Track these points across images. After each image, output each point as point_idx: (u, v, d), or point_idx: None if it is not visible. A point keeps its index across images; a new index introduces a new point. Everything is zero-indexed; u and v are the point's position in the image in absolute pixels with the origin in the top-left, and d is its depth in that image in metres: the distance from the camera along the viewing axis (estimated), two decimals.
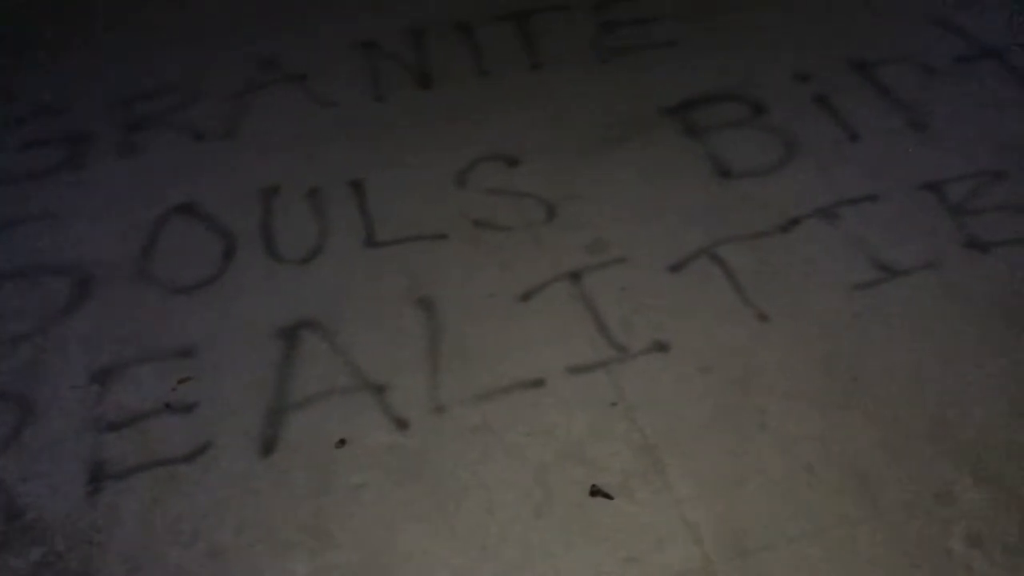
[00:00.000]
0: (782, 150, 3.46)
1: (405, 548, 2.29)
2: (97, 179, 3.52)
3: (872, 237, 3.07)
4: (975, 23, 4.02)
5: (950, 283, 2.89)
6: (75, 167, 3.57)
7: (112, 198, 3.41)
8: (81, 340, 2.88)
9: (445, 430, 2.56)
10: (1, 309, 3.01)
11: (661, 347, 2.76)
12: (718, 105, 3.71)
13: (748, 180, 3.35)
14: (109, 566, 2.27)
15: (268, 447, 2.55)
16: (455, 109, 3.80)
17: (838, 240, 3.08)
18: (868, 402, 2.55)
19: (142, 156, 3.62)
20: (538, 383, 2.68)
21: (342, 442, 2.55)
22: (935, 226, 3.09)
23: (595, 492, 2.39)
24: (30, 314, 2.98)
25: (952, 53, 3.88)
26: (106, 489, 2.46)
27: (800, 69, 3.86)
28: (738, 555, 2.21)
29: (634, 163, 3.47)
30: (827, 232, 3.12)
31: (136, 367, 2.80)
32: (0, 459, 2.55)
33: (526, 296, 2.96)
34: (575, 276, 3.02)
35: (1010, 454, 2.40)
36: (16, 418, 2.66)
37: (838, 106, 3.64)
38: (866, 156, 3.40)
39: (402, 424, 2.59)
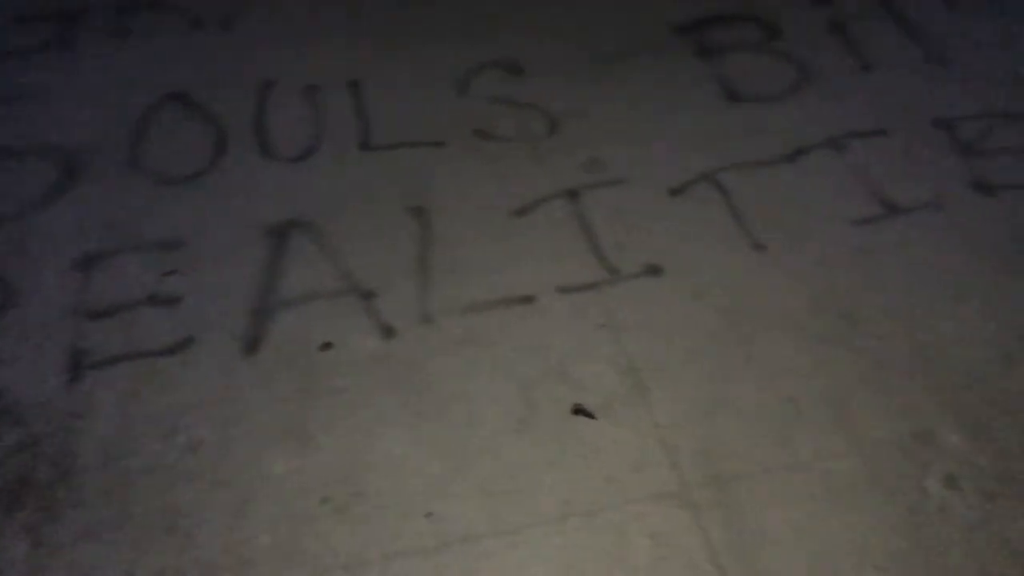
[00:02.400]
0: (793, 76, 3.37)
1: (383, 454, 2.29)
2: (88, 60, 3.41)
3: (878, 172, 3.01)
4: None
5: (952, 224, 2.84)
6: (65, 46, 3.46)
7: (102, 81, 3.32)
8: (66, 226, 2.83)
9: (432, 340, 2.54)
10: None
11: (654, 271, 2.73)
12: (732, 26, 3.60)
13: (756, 106, 3.27)
14: (86, 454, 2.27)
15: (252, 346, 2.53)
16: (463, 12, 3.68)
17: (842, 173, 3.02)
18: (856, 338, 2.53)
19: (135, 40, 3.51)
20: (528, 300, 2.65)
21: (327, 345, 2.53)
22: (943, 165, 3.03)
23: (578, 411, 2.38)
24: (14, 196, 2.92)
25: None
26: (86, 377, 2.44)
27: None
28: (714, 481, 2.22)
29: (641, 81, 3.38)
30: (832, 164, 3.05)
31: (121, 256, 2.76)
32: None
33: (521, 211, 2.91)
34: (572, 194, 2.96)
35: (994, 400, 2.39)
36: None
37: (855, 34, 3.54)
38: (879, 88, 3.31)
39: (389, 331, 2.56)
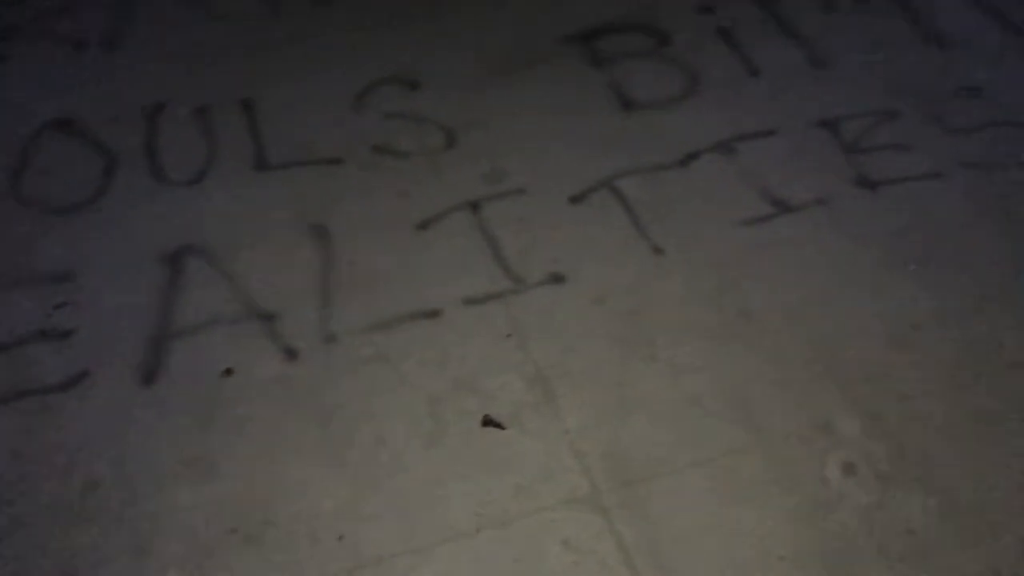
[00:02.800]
0: (684, 82, 3.45)
1: (292, 479, 2.25)
2: None
3: (767, 172, 3.10)
4: None
5: (838, 220, 2.94)
6: None
7: None
8: None
9: (336, 360, 2.51)
10: None
11: (557, 279, 2.75)
12: (622, 35, 3.66)
13: (650, 112, 3.33)
14: None
15: (149, 376, 2.46)
16: (355, 27, 3.66)
17: (734, 175, 3.10)
18: (754, 335, 2.61)
19: (14, 66, 3.38)
20: (434, 314, 2.65)
21: (228, 372, 2.48)
22: (828, 163, 3.14)
23: (487, 423, 2.39)
24: None
25: None
26: None
27: (704, 0, 3.83)
28: (624, 484, 2.25)
29: (536, 91, 3.41)
30: (723, 166, 3.14)
31: (9, 292, 2.66)
32: None
33: (423, 225, 2.90)
34: (474, 206, 2.97)
35: (886, 387, 2.48)
36: None
37: (740, 39, 3.64)
38: (765, 91, 3.42)
39: (291, 354, 2.53)
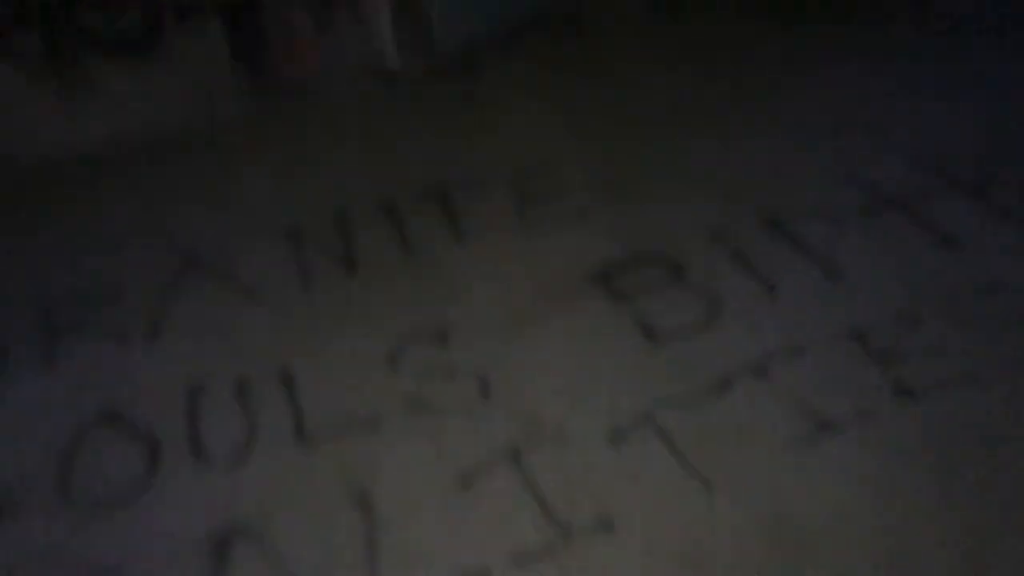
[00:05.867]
0: (706, 308, 3.52)
1: None
2: (10, 395, 3.40)
3: (804, 391, 3.09)
4: (877, 175, 4.21)
5: (884, 434, 2.90)
6: None
7: (30, 413, 3.29)
8: None
9: None
10: None
11: (606, 525, 2.69)
12: (639, 269, 3.79)
13: (677, 342, 3.38)
14: None
15: None
16: (382, 291, 3.82)
17: (770, 397, 3.10)
18: (815, 566, 2.51)
19: (62, 365, 3.53)
20: (482, 573, 2.58)
21: None
22: (863, 375, 3.13)
23: None
24: None
25: (858, 204, 4.04)
26: None
27: (714, 227, 3.98)
28: None
29: (562, 332, 3.49)
30: (759, 389, 3.14)
31: None
32: None
33: (465, 482, 2.89)
34: (514, 456, 2.96)
35: None
36: None
37: (755, 261, 3.75)
38: (787, 310, 3.47)
39: None
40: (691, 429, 2.99)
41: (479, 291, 3.74)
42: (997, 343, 3.18)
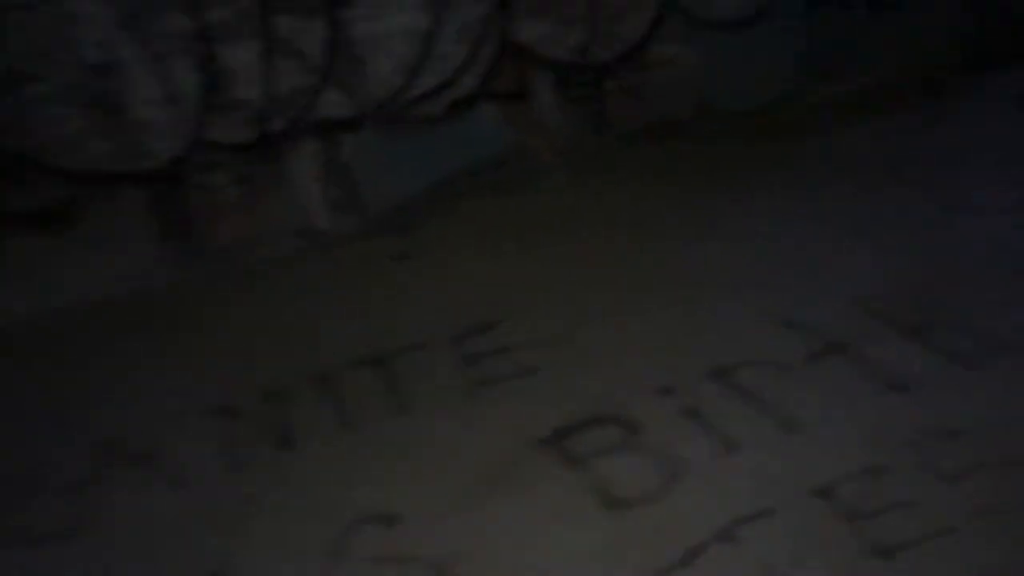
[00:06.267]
0: (665, 471, 3.37)
1: None
2: None
3: (775, 557, 2.93)
4: (816, 318, 4.19)
5: None
6: None
7: None
8: None
9: None
10: None
11: None
12: (591, 430, 3.64)
13: (639, 509, 3.21)
14: None
15: None
16: (322, 469, 3.58)
17: (742, 566, 2.92)
18: None
19: None
20: None
21: None
22: (835, 536, 2.99)
23: None
24: None
25: (801, 350, 4.00)
26: None
27: (661, 382, 3.87)
28: None
29: (515, 507, 3.28)
30: (730, 556, 2.96)
31: None
32: None
33: None
34: None
35: None
36: None
37: (708, 417, 3.63)
38: (749, 468, 3.33)
39: None
40: None
41: (427, 468, 3.52)
42: (968, 491, 3.08)
